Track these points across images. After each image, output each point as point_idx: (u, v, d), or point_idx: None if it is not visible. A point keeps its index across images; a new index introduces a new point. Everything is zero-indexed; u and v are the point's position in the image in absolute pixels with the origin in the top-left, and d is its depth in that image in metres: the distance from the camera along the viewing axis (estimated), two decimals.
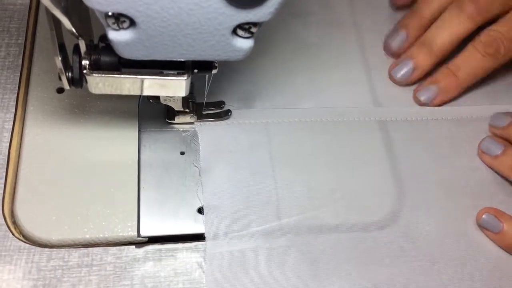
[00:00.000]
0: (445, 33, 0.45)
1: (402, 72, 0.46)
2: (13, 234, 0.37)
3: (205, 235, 0.38)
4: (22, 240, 0.37)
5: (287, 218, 0.40)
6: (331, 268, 0.38)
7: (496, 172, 0.44)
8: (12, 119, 0.41)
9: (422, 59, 0.46)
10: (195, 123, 0.43)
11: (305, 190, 0.41)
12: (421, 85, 0.47)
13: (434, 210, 0.41)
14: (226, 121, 0.43)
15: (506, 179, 0.43)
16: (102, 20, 0.29)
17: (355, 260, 0.39)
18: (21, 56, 0.44)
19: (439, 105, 0.47)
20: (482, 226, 0.41)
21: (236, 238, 0.38)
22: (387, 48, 0.48)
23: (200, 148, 0.42)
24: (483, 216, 0.41)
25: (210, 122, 0.43)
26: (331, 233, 0.40)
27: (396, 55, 0.48)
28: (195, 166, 0.41)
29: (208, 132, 0.43)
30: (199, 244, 0.38)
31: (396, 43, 0.47)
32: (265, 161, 0.42)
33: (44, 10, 0.46)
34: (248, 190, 0.40)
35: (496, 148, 0.43)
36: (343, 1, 0.52)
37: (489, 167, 0.44)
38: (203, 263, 0.37)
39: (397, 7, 0.51)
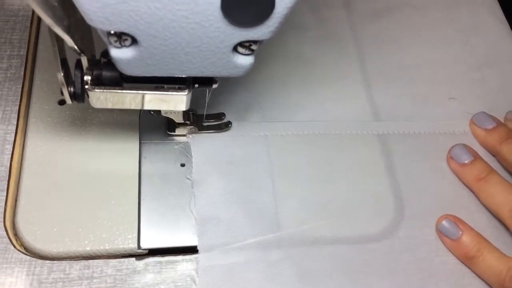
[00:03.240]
0: None
1: None
2: (14, 246, 0.37)
3: (198, 248, 0.38)
4: (23, 252, 0.37)
5: (282, 231, 0.40)
6: (326, 281, 0.38)
7: (460, 180, 0.44)
8: (14, 131, 0.41)
9: None
10: (187, 135, 0.43)
11: (301, 203, 0.41)
12: None
13: (433, 223, 0.42)
14: (222, 133, 0.44)
15: (469, 189, 0.43)
16: (104, 38, 0.29)
17: (351, 273, 0.39)
18: (23, 68, 0.44)
19: None
20: (440, 232, 0.41)
21: (229, 251, 0.38)
22: None
23: (193, 161, 0.42)
24: (443, 222, 0.41)
25: (204, 134, 0.43)
26: (327, 246, 0.40)
27: None
28: (187, 178, 0.41)
29: (201, 144, 0.43)
30: (199, 256, 0.38)
31: None
32: (261, 173, 0.42)
33: (46, 24, 0.47)
34: (243, 202, 0.40)
35: (465, 157, 0.43)
36: (341, 14, 0.52)
37: (454, 173, 0.44)
38: (195, 276, 0.37)
39: None
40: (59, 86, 0.42)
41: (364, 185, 0.43)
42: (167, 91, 0.34)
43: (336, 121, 0.46)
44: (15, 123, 0.42)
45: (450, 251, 0.40)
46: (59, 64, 0.32)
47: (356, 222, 0.41)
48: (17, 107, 0.42)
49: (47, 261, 0.37)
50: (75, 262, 0.37)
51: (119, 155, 0.41)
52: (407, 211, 0.42)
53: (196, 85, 0.35)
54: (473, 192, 0.43)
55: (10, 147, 0.41)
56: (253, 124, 0.45)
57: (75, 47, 0.30)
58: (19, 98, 0.43)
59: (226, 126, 0.44)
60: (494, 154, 0.45)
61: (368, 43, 0.51)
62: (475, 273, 0.40)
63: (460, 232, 0.40)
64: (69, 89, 0.34)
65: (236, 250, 0.38)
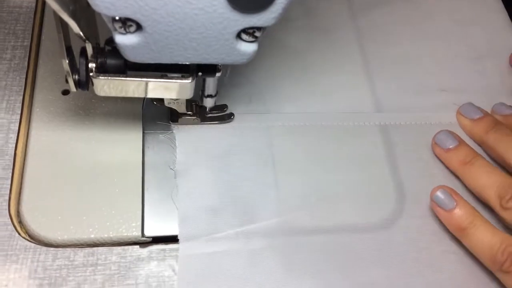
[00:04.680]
0: None
1: None
2: (19, 234, 0.37)
3: (179, 237, 0.38)
4: (28, 240, 0.37)
5: (266, 221, 0.40)
6: (309, 271, 0.38)
7: (445, 165, 0.44)
8: (18, 120, 0.42)
9: None
10: (172, 125, 0.43)
11: (302, 193, 0.41)
12: None
13: (433, 213, 0.42)
14: (205, 125, 0.44)
15: (453, 174, 0.44)
16: (109, 24, 0.29)
17: (353, 262, 0.39)
18: (26, 58, 0.45)
19: None
20: (434, 202, 0.40)
21: (211, 240, 0.38)
22: None
23: (177, 151, 0.42)
24: (438, 192, 0.40)
25: (189, 125, 0.43)
26: (326, 235, 0.40)
27: None
28: (171, 168, 0.41)
29: (186, 134, 0.43)
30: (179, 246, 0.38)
31: None
32: (261, 163, 0.42)
33: (50, 12, 0.47)
34: (227, 192, 0.40)
35: (450, 142, 0.43)
36: (342, 5, 0.52)
37: (439, 159, 0.44)
38: (175, 265, 0.37)
39: None
40: (62, 76, 0.43)
41: (366, 176, 0.43)
42: (171, 79, 0.35)
43: (338, 112, 0.46)
44: (19, 112, 0.42)
45: (443, 222, 0.40)
46: (64, 51, 0.32)
47: (356, 212, 0.41)
48: (21, 97, 0.43)
49: (52, 248, 0.37)
50: (80, 249, 0.37)
51: (122, 144, 0.42)
52: (408, 201, 0.42)
53: (200, 73, 0.36)
54: (458, 177, 0.43)
55: (14, 136, 0.41)
56: (256, 115, 0.45)
57: (81, 33, 0.30)
58: (23, 88, 0.43)
59: (228, 117, 0.44)
60: (480, 144, 0.45)
61: (369, 34, 0.51)
62: (466, 246, 0.39)
63: (455, 203, 0.40)
64: (73, 77, 0.34)
65: (217, 240, 0.38)
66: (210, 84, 0.38)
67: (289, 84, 0.47)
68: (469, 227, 0.38)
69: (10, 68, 0.44)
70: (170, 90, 0.36)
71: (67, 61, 0.33)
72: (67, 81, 0.35)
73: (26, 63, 0.44)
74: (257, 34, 0.31)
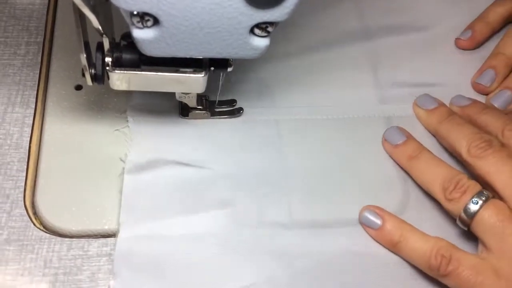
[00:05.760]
0: None
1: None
2: (34, 225, 0.38)
3: (120, 233, 0.38)
4: (43, 230, 0.38)
5: (273, 217, 0.40)
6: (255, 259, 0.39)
7: (394, 160, 0.44)
8: (32, 114, 0.43)
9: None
10: (128, 118, 0.43)
11: (306, 187, 0.42)
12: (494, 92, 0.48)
13: (439, 204, 0.42)
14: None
15: (403, 169, 0.44)
16: (127, 19, 0.30)
17: (351, 257, 0.39)
18: (40, 54, 0.46)
19: None
20: (363, 223, 0.41)
21: (153, 237, 0.38)
22: (477, 87, 0.49)
23: (131, 144, 0.42)
24: (364, 213, 0.41)
25: (147, 120, 0.43)
26: (326, 229, 0.40)
27: (487, 92, 0.49)
28: (121, 160, 0.41)
29: (140, 129, 0.43)
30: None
31: (485, 80, 0.48)
32: (255, 157, 0.43)
33: (62, 9, 0.48)
34: (172, 185, 0.40)
35: (398, 138, 0.44)
36: (350, 4, 0.53)
37: (389, 155, 0.44)
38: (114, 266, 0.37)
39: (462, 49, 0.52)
40: (75, 71, 0.44)
41: (372, 169, 0.44)
42: (185, 73, 0.36)
43: (344, 105, 0.47)
44: (34, 107, 0.43)
45: (376, 241, 0.40)
46: (83, 46, 0.33)
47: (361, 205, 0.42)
48: (35, 92, 0.44)
49: (66, 239, 0.38)
50: (94, 239, 0.38)
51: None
52: (414, 194, 0.43)
53: (212, 68, 0.37)
54: (406, 171, 0.43)
55: (28, 130, 0.42)
56: (264, 109, 0.46)
57: (99, 27, 0.31)
58: (36, 83, 0.44)
59: (238, 112, 0.45)
60: (434, 134, 0.45)
61: (375, 30, 0.52)
62: (403, 258, 0.40)
63: (381, 221, 0.40)
64: (90, 71, 0.35)
65: (158, 235, 0.38)
66: None
67: (297, 78, 0.48)
68: (400, 240, 0.39)
69: (24, 63, 0.45)
70: (183, 84, 0.36)
71: (85, 56, 0.34)
72: (83, 75, 0.35)
73: (39, 59, 0.45)
74: (270, 29, 0.32)
